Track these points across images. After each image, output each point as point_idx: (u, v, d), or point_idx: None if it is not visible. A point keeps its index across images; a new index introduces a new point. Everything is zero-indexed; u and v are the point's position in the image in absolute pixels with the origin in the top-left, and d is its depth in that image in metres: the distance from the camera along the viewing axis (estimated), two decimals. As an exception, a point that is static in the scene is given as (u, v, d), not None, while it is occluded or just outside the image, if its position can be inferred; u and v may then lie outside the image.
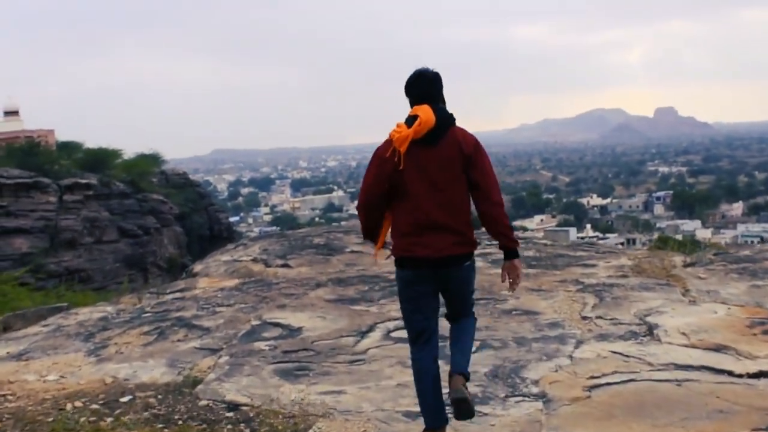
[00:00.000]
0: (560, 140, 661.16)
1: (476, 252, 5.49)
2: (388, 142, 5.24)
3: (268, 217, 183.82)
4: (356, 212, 5.62)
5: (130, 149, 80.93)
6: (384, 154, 5.24)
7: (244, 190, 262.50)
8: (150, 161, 77.40)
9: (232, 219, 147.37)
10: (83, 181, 58.68)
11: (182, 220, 71.25)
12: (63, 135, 78.32)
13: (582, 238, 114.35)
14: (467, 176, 5.28)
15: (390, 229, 5.48)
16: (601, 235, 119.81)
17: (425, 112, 5.17)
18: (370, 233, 5.58)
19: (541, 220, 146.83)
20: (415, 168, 5.19)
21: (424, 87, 5.34)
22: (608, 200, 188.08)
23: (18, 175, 55.07)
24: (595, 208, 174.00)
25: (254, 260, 13.58)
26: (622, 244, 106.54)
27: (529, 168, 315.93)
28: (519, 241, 5.75)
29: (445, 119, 5.28)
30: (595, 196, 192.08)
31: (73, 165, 64.56)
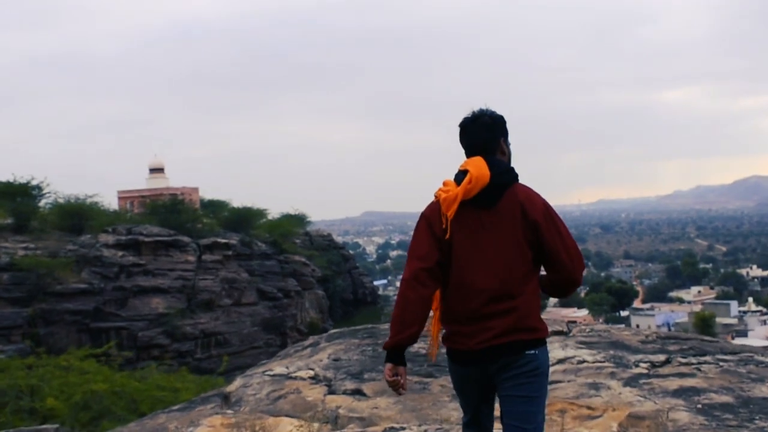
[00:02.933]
0: (715, 207, 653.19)
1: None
2: (435, 204, 4.48)
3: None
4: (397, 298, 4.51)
5: (279, 210, 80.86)
6: (432, 217, 4.46)
7: (393, 253, 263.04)
8: (294, 222, 77.07)
9: (379, 282, 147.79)
10: (223, 240, 57.69)
11: (325, 284, 69.72)
12: (212, 195, 78.81)
13: (744, 312, 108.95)
14: (534, 249, 4.37)
15: (441, 315, 4.60)
16: (764, 310, 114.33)
17: (477, 166, 4.38)
18: (406, 327, 4.39)
19: (699, 291, 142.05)
20: (465, 236, 4.39)
21: (478, 134, 4.54)
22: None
23: (157, 233, 54.45)
24: (756, 280, 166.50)
25: (314, 378, 9.26)
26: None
27: (684, 236, 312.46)
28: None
29: (503, 174, 4.44)
30: (755, 267, 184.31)
31: (216, 224, 64.41)
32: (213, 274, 55.09)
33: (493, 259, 4.36)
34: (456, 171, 4.53)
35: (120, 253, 52.05)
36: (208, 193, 79.05)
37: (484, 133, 4.53)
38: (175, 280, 52.87)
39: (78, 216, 55.66)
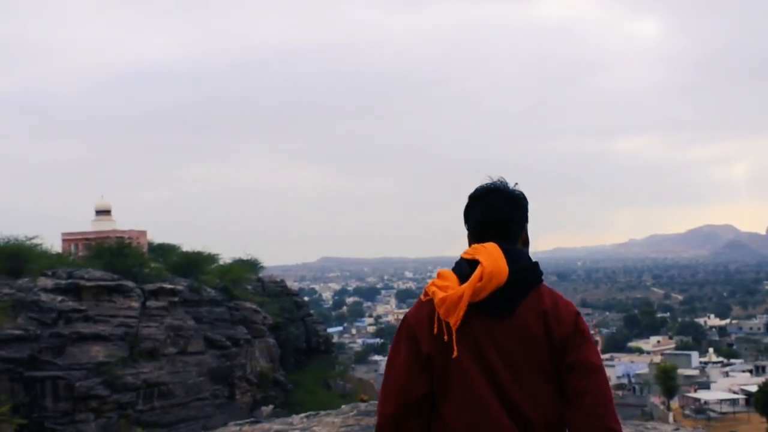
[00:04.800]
0: (670, 256, 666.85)
1: None
2: (424, 306, 3.34)
3: (372, 328, 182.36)
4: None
5: (232, 255, 79.24)
6: (417, 327, 3.33)
7: (349, 300, 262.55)
8: (246, 267, 75.55)
9: (334, 330, 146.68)
10: (169, 286, 55.63)
11: (277, 331, 67.84)
12: (162, 238, 77.04)
13: (705, 363, 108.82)
14: (560, 376, 3.25)
15: None
16: (725, 361, 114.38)
17: (492, 257, 3.26)
18: None
19: (658, 341, 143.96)
20: (470, 355, 3.25)
21: (500, 209, 3.46)
22: (727, 321, 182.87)
23: (100, 277, 52.33)
24: (714, 330, 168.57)
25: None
26: (750, 371, 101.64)
27: (640, 284, 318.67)
28: None
29: (527, 271, 3.32)
30: (712, 316, 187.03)
31: (164, 269, 62.51)
32: (158, 321, 52.85)
33: (514, 391, 3.24)
34: (458, 259, 3.44)
35: (59, 298, 49.77)
36: (157, 237, 77.13)
37: (507, 210, 3.49)
38: (117, 327, 50.60)
39: (16, 258, 53.43)
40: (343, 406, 10.39)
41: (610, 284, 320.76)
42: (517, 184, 3.58)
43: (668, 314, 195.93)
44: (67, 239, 71.28)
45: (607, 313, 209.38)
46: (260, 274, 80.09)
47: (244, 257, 79.79)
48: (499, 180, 3.55)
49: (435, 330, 3.30)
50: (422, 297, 3.42)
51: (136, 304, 52.60)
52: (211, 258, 70.66)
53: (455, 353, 3.26)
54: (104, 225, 70.32)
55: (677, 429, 8.62)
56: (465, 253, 3.43)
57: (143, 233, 72.49)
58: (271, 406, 60.76)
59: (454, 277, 3.35)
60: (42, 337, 47.67)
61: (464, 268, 3.35)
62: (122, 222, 73.77)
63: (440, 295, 3.29)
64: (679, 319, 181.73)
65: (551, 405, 3.30)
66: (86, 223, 73.53)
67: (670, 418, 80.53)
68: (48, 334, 47.94)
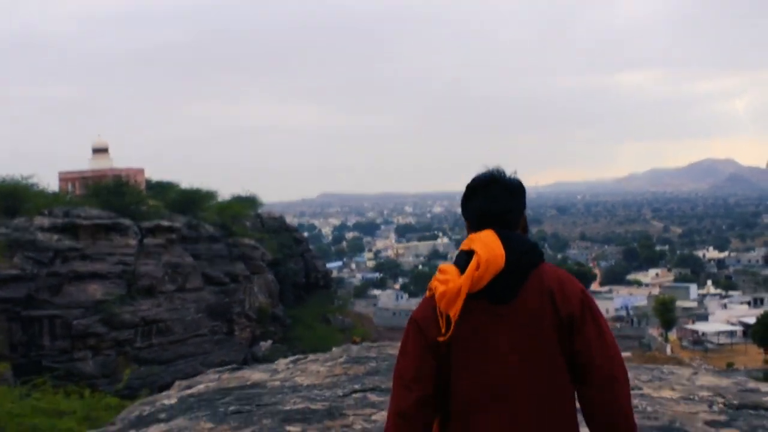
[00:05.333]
0: (670, 190, 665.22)
1: None
2: (429, 302, 3.34)
3: (371, 263, 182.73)
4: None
5: (232, 192, 78.84)
6: (423, 322, 3.33)
7: (349, 235, 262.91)
8: (245, 204, 74.94)
9: (334, 265, 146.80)
10: (166, 223, 55.28)
11: (276, 267, 67.65)
12: (160, 177, 76.55)
13: (703, 295, 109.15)
14: (568, 356, 3.26)
15: None
16: (723, 293, 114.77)
17: (486, 245, 3.25)
18: None
19: (656, 274, 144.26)
20: (474, 344, 3.26)
21: (498, 199, 3.42)
22: (725, 254, 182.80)
23: (97, 215, 52.03)
24: (712, 262, 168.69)
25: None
26: (748, 303, 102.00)
27: (639, 218, 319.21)
28: None
29: (525, 255, 3.30)
30: (711, 248, 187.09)
31: (162, 206, 61.98)
32: (155, 259, 52.71)
33: (521, 374, 3.25)
34: (458, 251, 3.44)
35: (56, 237, 49.59)
36: (155, 175, 76.62)
37: (505, 199, 3.45)
38: (114, 265, 50.46)
39: (12, 197, 52.94)
40: (334, 349, 10.15)
41: (610, 218, 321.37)
42: (515, 172, 3.56)
43: (667, 247, 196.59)
44: (64, 178, 70.83)
45: (606, 247, 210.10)
46: (259, 211, 79.80)
47: (243, 194, 79.48)
48: (496, 169, 3.51)
49: (441, 323, 3.28)
50: (427, 293, 3.40)
51: (133, 242, 52.44)
52: (210, 195, 70.28)
53: (450, 341, 3.26)
54: (101, 163, 69.81)
55: (695, 372, 8.38)
56: (463, 244, 3.41)
57: (141, 171, 72.05)
58: (270, 342, 60.98)
59: (454, 270, 3.31)
60: (39, 276, 47.57)
61: (462, 259, 3.33)
62: (120, 160, 73.43)
63: (441, 289, 3.27)
64: (678, 252, 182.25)
65: (561, 383, 3.29)
66: (84, 162, 73.23)
67: (668, 350, 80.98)
68: (45, 273, 47.84)
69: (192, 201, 65.74)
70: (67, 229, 50.59)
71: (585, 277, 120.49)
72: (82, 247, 50.09)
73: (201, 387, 8.34)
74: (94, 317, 47.60)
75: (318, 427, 6.39)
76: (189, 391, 8.21)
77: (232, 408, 7.16)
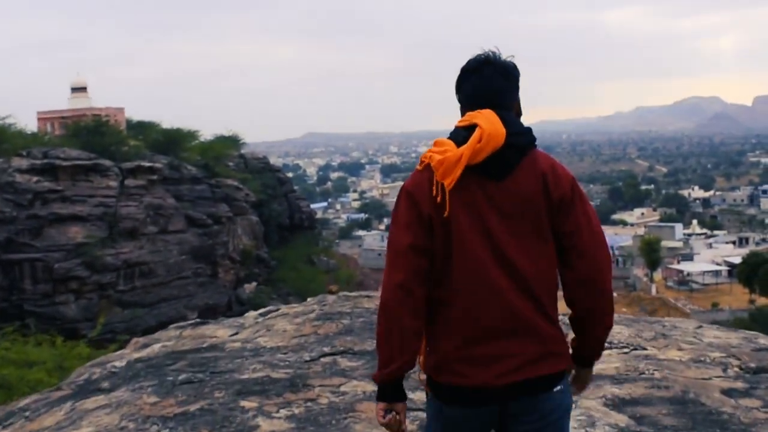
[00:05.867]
0: (655, 129, 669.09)
1: None
2: (422, 173, 3.32)
3: (356, 204, 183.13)
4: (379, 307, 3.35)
5: (214, 132, 77.99)
6: (417, 193, 3.30)
7: (334, 175, 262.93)
8: (228, 144, 74.18)
9: (318, 206, 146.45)
10: (148, 164, 54.48)
11: (259, 208, 67.17)
12: (141, 116, 75.41)
13: (688, 235, 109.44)
14: (556, 235, 3.31)
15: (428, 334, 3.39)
16: (708, 232, 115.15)
17: (489, 120, 3.26)
18: (398, 354, 3.28)
19: (642, 213, 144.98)
20: (468, 215, 3.26)
21: (493, 80, 3.41)
22: (711, 193, 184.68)
23: (76, 156, 51.26)
24: (698, 201, 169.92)
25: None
26: (733, 243, 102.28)
27: (624, 157, 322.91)
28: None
29: (522, 135, 3.34)
30: (696, 188, 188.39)
31: (143, 147, 61.30)
32: (137, 201, 51.96)
33: (513, 251, 3.26)
34: (453, 128, 3.39)
35: (35, 179, 48.73)
36: (136, 115, 75.65)
37: (500, 81, 3.41)
38: (95, 207, 49.70)
39: (-12, 138, 51.73)
40: (308, 300, 9.51)
41: (595, 157, 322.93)
42: (513, 56, 3.51)
43: (652, 186, 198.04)
44: (43, 118, 69.81)
45: (592, 186, 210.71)
46: (242, 151, 79.09)
47: (226, 134, 78.72)
48: (491, 51, 3.46)
49: (434, 192, 3.26)
50: (418, 166, 3.37)
51: (114, 184, 51.61)
52: (192, 135, 69.63)
53: (447, 212, 3.23)
54: (80, 103, 68.74)
55: (700, 326, 7.80)
56: (460, 121, 3.39)
57: (121, 111, 71.07)
58: (254, 284, 60.72)
59: (451, 143, 3.30)
60: (18, 219, 46.83)
61: (460, 134, 3.31)
62: (100, 100, 72.37)
63: (437, 158, 3.25)
64: (663, 192, 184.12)
65: (548, 264, 3.34)
66: (62, 102, 72.18)
67: (653, 290, 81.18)
68: (24, 215, 47.08)
69: (173, 141, 64.99)
70: (47, 170, 49.70)
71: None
72: (62, 189, 49.26)
73: (156, 347, 7.55)
74: (76, 260, 46.98)
75: (277, 401, 5.65)
76: (142, 353, 7.46)
77: (182, 377, 6.37)
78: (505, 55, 3.47)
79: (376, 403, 3.38)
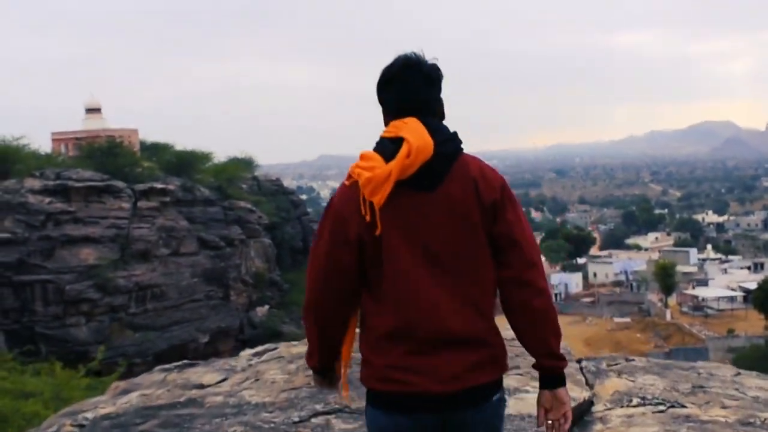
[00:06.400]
0: (669, 153, 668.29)
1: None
2: (350, 190, 3.27)
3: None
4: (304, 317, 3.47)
5: (228, 154, 78.16)
6: (345, 211, 3.27)
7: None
8: (242, 166, 74.19)
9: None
10: (160, 186, 54.31)
11: (272, 231, 66.91)
12: (155, 137, 75.65)
13: (703, 260, 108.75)
14: (495, 241, 3.32)
15: (359, 339, 3.43)
16: (723, 257, 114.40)
17: (416, 132, 3.22)
18: (327, 356, 3.50)
19: (656, 238, 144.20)
20: (401, 231, 3.24)
21: (416, 87, 3.36)
22: (725, 217, 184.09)
23: (89, 177, 51.10)
24: (711, 226, 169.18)
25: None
26: (748, 268, 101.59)
27: (638, 181, 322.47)
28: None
29: (449, 142, 3.31)
30: (710, 212, 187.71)
31: (156, 168, 61.17)
32: (149, 222, 51.75)
33: (449, 263, 3.23)
34: (378, 139, 3.32)
35: (47, 200, 48.54)
36: (150, 136, 75.75)
37: (424, 88, 3.33)
38: (107, 228, 49.49)
39: (3, 159, 51.83)
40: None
41: (608, 181, 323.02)
42: (435, 58, 3.41)
43: (666, 211, 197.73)
44: (57, 139, 70.01)
45: (605, 210, 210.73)
46: (256, 173, 79.10)
47: (240, 156, 78.75)
48: (413, 54, 3.37)
49: (363, 211, 3.21)
50: (346, 181, 3.30)
51: (126, 205, 51.43)
52: (205, 157, 69.34)
53: (378, 230, 3.19)
54: (94, 124, 68.92)
55: (738, 373, 7.22)
56: (385, 132, 3.34)
57: (135, 132, 71.23)
58: (266, 307, 60.40)
59: (378, 157, 3.24)
60: (30, 240, 46.64)
61: (388, 146, 3.25)
62: (114, 121, 72.52)
63: (366, 175, 3.19)
64: (677, 216, 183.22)
65: (486, 269, 3.32)
66: (77, 122, 72.31)
67: (668, 316, 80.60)
68: (36, 237, 46.90)
69: (187, 163, 64.72)
70: (59, 191, 49.56)
71: (584, 241, 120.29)
72: (75, 210, 49.07)
73: (134, 396, 6.83)
74: (87, 282, 46.77)
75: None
76: (118, 402, 6.75)
77: (150, 442, 5.64)
78: (428, 57, 3.38)
79: (313, 376, 3.62)
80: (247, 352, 8.23)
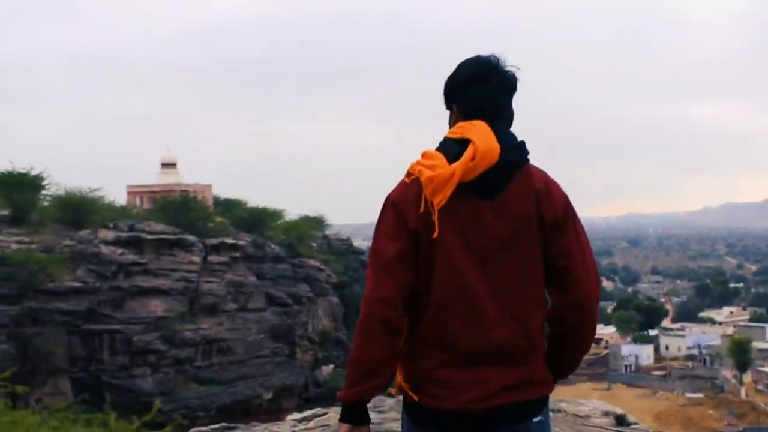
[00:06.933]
0: (744, 225, 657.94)
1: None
2: (410, 186, 3.18)
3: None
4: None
5: (299, 212, 78.73)
6: (403, 206, 3.16)
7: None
8: (313, 224, 74.63)
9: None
10: (231, 241, 54.85)
11: (341, 290, 66.80)
12: (228, 193, 76.56)
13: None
14: (547, 258, 3.20)
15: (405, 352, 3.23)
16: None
17: (483, 136, 3.13)
18: (370, 375, 3.15)
19: (731, 312, 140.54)
20: (456, 236, 3.13)
21: (499, 96, 3.27)
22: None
23: (161, 230, 51.69)
24: None
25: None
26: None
27: (713, 253, 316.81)
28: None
29: (516, 151, 3.21)
30: None
31: (228, 223, 61.99)
32: (218, 277, 52.01)
33: (501, 274, 3.11)
34: (441, 139, 3.22)
35: (119, 251, 49.08)
36: (223, 192, 76.73)
37: (503, 91, 3.24)
38: (177, 281, 49.87)
39: (79, 210, 52.89)
40: None
41: (682, 252, 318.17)
42: (516, 67, 3.30)
43: (741, 284, 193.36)
44: (132, 192, 71.32)
45: (678, 282, 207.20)
46: (326, 232, 79.40)
47: (311, 214, 79.20)
48: (495, 57, 3.26)
49: (421, 209, 3.12)
50: (405, 178, 3.22)
51: (197, 259, 51.83)
52: (277, 214, 70.27)
53: (437, 233, 3.08)
54: (169, 178, 70.19)
55: None
56: (451, 132, 3.25)
57: (208, 187, 72.31)
58: (331, 366, 60.15)
59: (441, 157, 3.16)
60: (101, 290, 47.09)
61: (452, 147, 3.16)
62: (188, 176, 73.59)
63: (427, 173, 3.11)
64: (753, 290, 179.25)
65: (538, 286, 3.22)
66: (152, 176, 73.51)
67: (742, 393, 78.45)
68: (107, 287, 47.35)
69: (259, 219, 65.52)
70: (132, 243, 50.16)
71: (656, 312, 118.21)
72: (146, 262, 49.55)
73: None
74: (155, 334, 47.00)
75: None
76: None
77: None
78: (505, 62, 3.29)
79: (339, 425, 3.23)
80: (293, 417, 7.56)
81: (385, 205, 3.23)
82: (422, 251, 3.10)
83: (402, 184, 3.22)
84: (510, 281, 3.14)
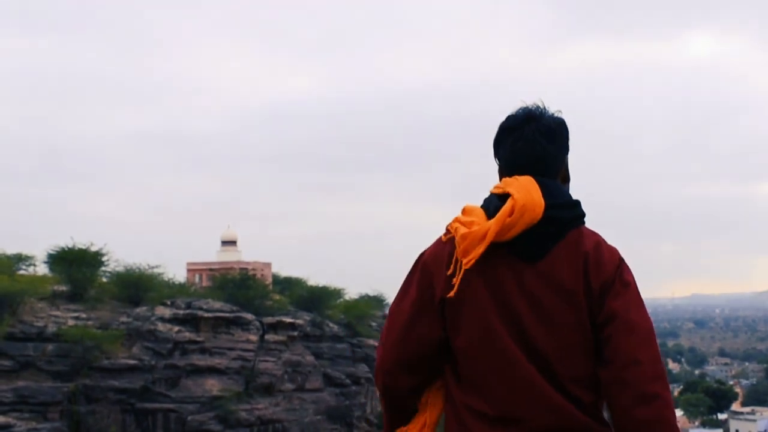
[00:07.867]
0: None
1: None
2: (444, 245, 3.00)
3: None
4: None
5: (360, 291, 78.42)
6: (433, 266, 2.99)
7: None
8: (372, 303, 73.74)
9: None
10: (288, 320, 54.42)
11: (399, 371, 65.23)
12: (288, 272, 76.43)
13: None
14: (597, 332, 2.85)
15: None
16: None
17: (525, 189, 2.89)
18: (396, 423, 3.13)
19: None
20: (492, 300, 2.88)
21: (533, 145, 3.02)
22: None
23: (219, 308, 51.48)
24: None
25: None
26: None
27: None
28: None
29: (566, 208, 2.94)
30: None
31: (287, 302, 61.74)
32: (275, 356, 51.45)
33: (544, 345, 2.81)
34: (487, 195, 3.00)
35: (176, 329, 48.86)
36: (283, 270, 76.62)
37: (543, 143, 2.98)
38: (233, 360, 49.38)
39: (137, 286, 53.12)
40: None
41: (750, 333, 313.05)
42: (560, 111, 3.04)
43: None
44: (192, 269, 71.54)
45: (747, 364, 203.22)
46: (386, 312, 78.61)
47: (371, 293, 78.67)
48: (534, 106, 3.02)
49: (450, 270, 2.88)
50: (443, 236, 2.99)
51: (254, 338, 51.42)
52: (337, 293, 69.60)
53: (453, 292, 2.83)
54: (229, 256, 70.46)
55: None
56: (495, 187, 2.99)
57: (268, 265, 72.36)
58: (390, 448, 58.90)
59: (481, 212, 2.93)
60: (156, 368, 46.82)
61: (494, 202, 2.92)
62: (248, 254, 73.69)
63: (462, 231, 2.86)
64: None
65: (583, 359, 2.83)
66: (212, 254, 73.81)
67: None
68: (163, 365, 47.07)
69: (318, 298, 64.99)
70: (189, 320, 50.03)
71: (725, 396, 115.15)
72: (202, 340, 49.26)
73: None
74: (210, 413, 46.36)
75: None
76: None
77: None
78: (552, 109, 3.06)
79: None
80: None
81: (415, 263, 3.02)
82: (449, 315, 2.88)
83: (437, 243, 3.01)
84: (555, 354, 2.81)
